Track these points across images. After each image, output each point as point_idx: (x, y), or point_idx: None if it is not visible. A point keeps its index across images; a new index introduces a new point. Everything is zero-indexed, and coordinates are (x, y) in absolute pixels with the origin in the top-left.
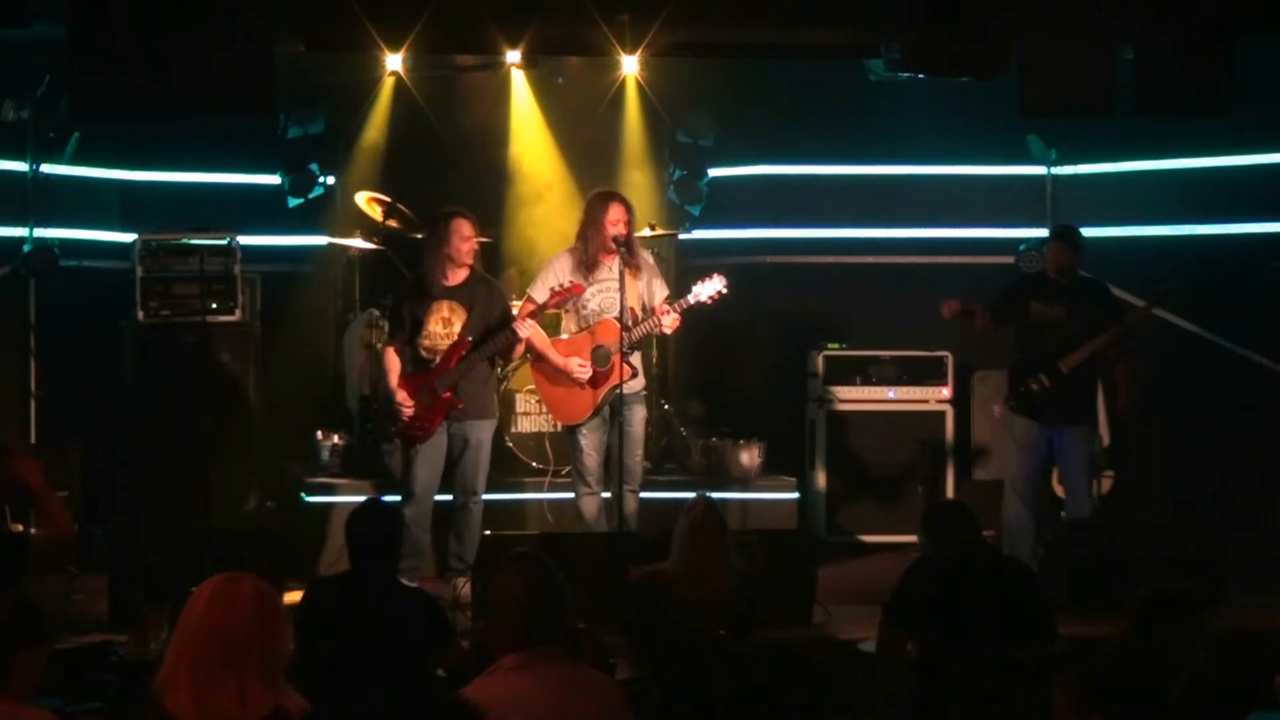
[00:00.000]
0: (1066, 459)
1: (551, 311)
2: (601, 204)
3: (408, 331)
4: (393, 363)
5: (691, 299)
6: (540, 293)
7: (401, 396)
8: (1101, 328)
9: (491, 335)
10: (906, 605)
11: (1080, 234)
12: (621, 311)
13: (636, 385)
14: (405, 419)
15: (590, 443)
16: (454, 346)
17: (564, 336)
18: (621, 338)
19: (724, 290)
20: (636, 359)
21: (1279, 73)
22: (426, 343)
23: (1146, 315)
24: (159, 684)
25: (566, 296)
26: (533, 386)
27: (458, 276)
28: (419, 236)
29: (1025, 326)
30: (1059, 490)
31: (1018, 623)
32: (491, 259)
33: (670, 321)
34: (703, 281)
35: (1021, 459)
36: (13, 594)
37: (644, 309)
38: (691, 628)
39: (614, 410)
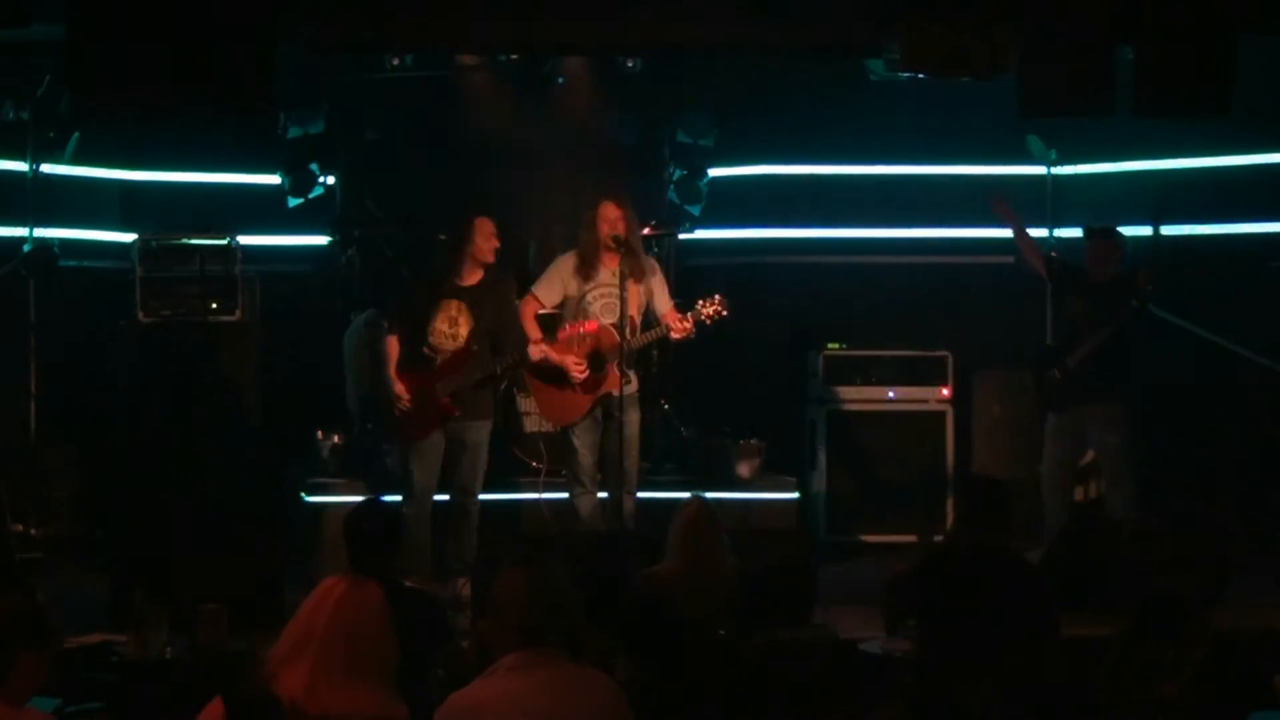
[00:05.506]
0: (1097, 444)
1: (550, 311)
2: (596, 203)
3: (412, 325)
4: (392, 351)
5: (691, 318)
6: (543, 292)
7: (400, 389)
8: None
9: (500, 351)
10: (908, 597)
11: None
12: (621, 320)
13: (630, 388)
14: (400, 412)
15: (584, 443)
16: (460, 353)
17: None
18: (621, 346)
19: (724, 312)
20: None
21: (1279, 73)
22: (431, 340)
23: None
24: (274, 661)
25: (577, 332)
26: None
27: (473, 276)
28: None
29: (1062, 317)
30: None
31: (1020, 623)
32: None
33: (682, 329)
34: (703, 303)
35: (1050, 450)
36: (20, 594)
37: (644, 314)
38: (691, 627)
39: (607, 411)
